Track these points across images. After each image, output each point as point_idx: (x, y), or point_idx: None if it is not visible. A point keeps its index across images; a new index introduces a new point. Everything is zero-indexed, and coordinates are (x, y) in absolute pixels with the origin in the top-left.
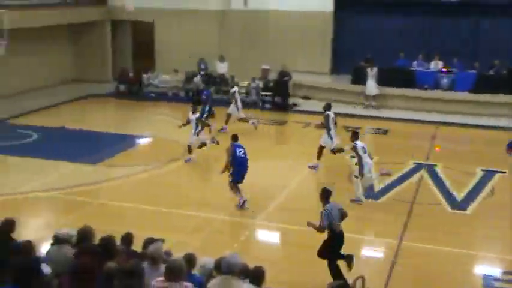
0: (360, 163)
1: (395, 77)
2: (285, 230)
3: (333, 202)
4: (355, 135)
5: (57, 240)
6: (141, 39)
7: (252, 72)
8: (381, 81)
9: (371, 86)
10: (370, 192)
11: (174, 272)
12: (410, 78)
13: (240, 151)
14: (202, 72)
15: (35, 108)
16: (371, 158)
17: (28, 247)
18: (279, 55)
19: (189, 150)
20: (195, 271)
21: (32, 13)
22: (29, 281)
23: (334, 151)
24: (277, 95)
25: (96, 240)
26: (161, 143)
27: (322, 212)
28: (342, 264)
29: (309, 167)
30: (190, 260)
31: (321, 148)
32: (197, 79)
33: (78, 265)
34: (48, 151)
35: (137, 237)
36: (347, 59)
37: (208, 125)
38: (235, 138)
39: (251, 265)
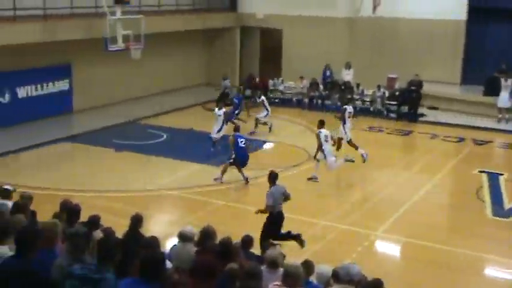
0: (321, 149)
1: None
2: (406, 243)
3: (278, 185)
4: (321, 124)
5: (182, 238)
6: (268, 45)
7: (378, 81)
8: None
9: (504, 98)
10: (499, 211)
11: (292, 278)
12: None
13: (242, 141)
14: (328, 80)
15: (166, 109)
16: (333, 145)
17: (154, 242)
18: (407, 64)
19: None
20: (312, 278)
21: (167, 18)
22: (153, 274)
23: (349, 143)
24: (403, 105)
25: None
26: (285, 148)
27: (267, 193)
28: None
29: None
30: (308, 266)
31: (340, 140)
32: (226, 82)
33: (199, 263)
34: (177, 151)
35: (256, 240)
36: (479, 69)
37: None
38: (237, 129)
39: (368, 277)
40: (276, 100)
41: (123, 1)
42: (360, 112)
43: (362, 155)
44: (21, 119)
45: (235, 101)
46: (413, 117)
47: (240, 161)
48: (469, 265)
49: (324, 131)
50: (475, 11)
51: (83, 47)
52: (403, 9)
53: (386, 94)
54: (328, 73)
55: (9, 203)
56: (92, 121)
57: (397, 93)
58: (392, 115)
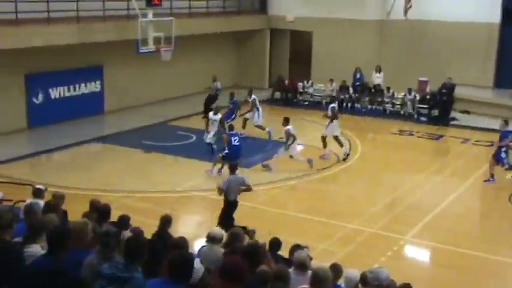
0: (293, 142)
1: None
2: (435, 249)
3: (237, 175)
4: (286, 121)
5: (210, 239)
6: (298, 48)
7: (409, 84)
8: None
9: None
10: None
11: (320, 281)
12: None
13: (235, 139)
14: (357, 83)
15: (196, 111)
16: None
17: (182, 243)
18: (438, 67)
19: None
20: (340, 282)
21: (197, 21)
22: (182, 275)
23: (323, 137)
24: (434, 108)
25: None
26: (313, 151)
27: (224, 179)
28: None
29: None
30: (336, 270)
31: (336, 138)
32: (216, 85)
33: (228, 264)
34: (205, 153)
35: (284, 243)
36: None
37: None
38: (231, 128)
39: (397, 282)
40: (306, 103)
41: (155, 3)
42: (390, 115)
43: (324, 156)
44: (54, 120)
45: (231, 105)
46: (444, 120)
47: (232, 156)
48: (499, 272)
49: (291, 127)
50: (509, 14)
51: (115, 49)
52: (435, 11)
53: (417, 97)
54: (358, 76)
55: (41, 202)
56: (123, 122)
57: (428, 96)
58: (423, 119)
